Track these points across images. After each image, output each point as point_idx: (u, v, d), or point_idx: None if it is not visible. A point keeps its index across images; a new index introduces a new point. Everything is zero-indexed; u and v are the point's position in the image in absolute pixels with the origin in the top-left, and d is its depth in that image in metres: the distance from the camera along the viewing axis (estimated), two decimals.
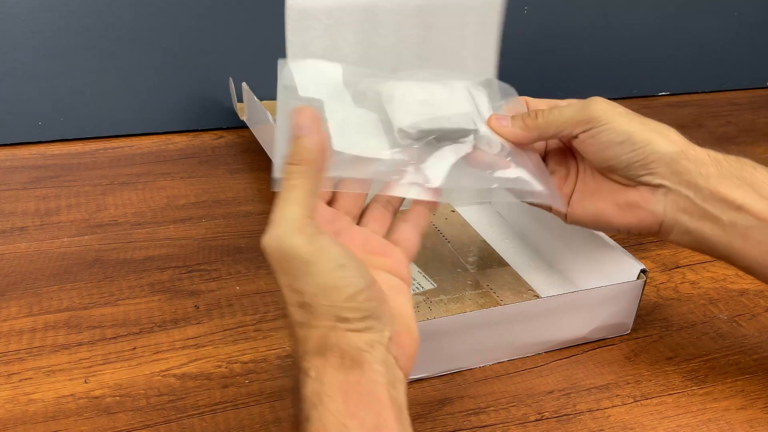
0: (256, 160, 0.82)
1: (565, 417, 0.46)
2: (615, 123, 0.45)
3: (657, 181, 0.45)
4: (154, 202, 0.71)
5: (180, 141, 0.86)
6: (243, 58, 0.87)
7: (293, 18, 0.51)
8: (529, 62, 0.99)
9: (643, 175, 0.45)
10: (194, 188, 0.74)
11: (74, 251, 0.61)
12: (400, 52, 0.57)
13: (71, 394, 0.46)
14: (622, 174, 0.46)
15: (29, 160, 0.79)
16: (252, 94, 0.75)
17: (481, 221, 0.68)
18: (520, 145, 0.48)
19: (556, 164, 0.51)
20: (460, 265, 0.60)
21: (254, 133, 0.80)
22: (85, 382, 0.47)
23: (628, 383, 0.49)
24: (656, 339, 0.54)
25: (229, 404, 0.46)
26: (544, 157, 0.51)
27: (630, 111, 0.47)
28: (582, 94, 0.51)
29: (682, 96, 1.12)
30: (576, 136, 0.47)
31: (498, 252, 0.63)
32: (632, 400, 0.48)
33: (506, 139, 0.47)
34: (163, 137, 0.87)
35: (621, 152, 0.45)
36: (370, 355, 0.33)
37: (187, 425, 0.44)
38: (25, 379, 0.47)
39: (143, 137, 0.87)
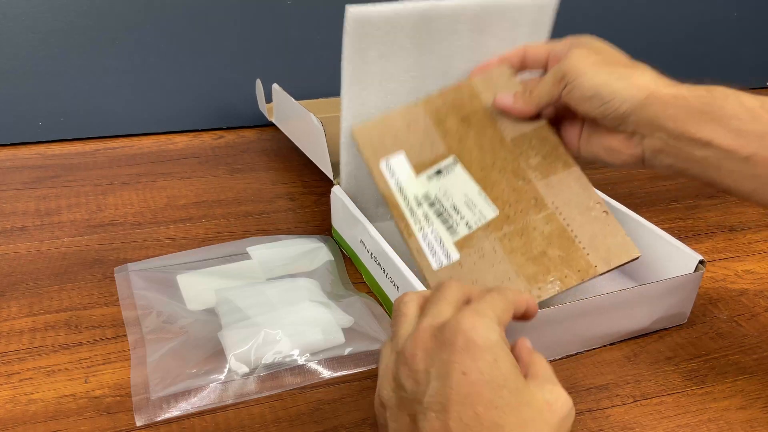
0: (256, 160, 0.82)
1: None
2: (584, 78, 0.48)
3: (631, 128, 0.48)
4: (154, 202, 0.71)
5: (180, 141, 0.86)
6: (243, 58, 0.87)
7: (352, 26, 0.53)
8: None
9: (618, 125, 0.48)
10: (194, 188, 0.74)
11: (74, 251, 0.61)
12: (452, 55, 0.59)
13: (71, 394, 0.46)
14: (602, 123, 0.49)
15: (29, 160, 0.79)
16: (285, 93, 0.74)
17: None
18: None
19: (565, 111, 0.54)
20: (521, 173, 0.53)
21: (285, 132, 0.80)
22: (85, 382, 0.47)
23: (628, 383, 0.49)
24: (656, 339, 0.54)
25: (229, 404, 0.46)
26: (560, 110, 0.55)
27: (604, 56, 0.49)
28: None
29: None
30: (560, 96, 0.50)
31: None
32: (632, 400, 0.48)
33: (513, 114, 0.54)
34: (163, 137, 0.87)
35: (592, 106, 0.48)
36: None
37: (187, 425, 0.44)
38: (25, 379, 0.47)
39: (143, 137, 0.87)
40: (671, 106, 0.45)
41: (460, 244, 0.51)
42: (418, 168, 0.55)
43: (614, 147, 0.50)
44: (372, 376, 0.49)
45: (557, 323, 0.49)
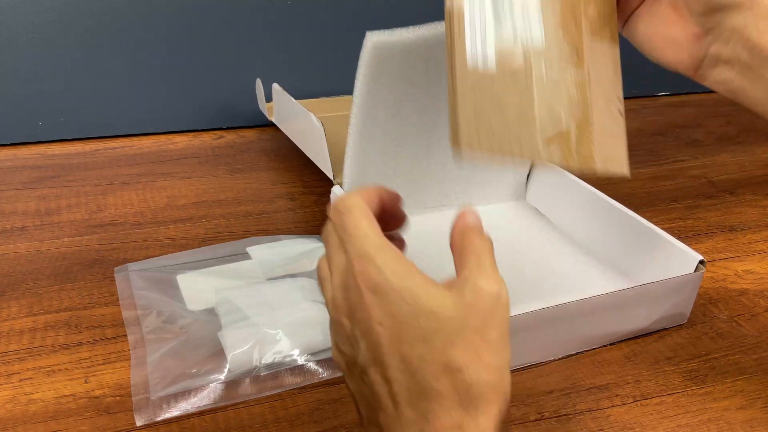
0: (256, 160, 0.82)
1: (564, 417, 0.46)
2: None
3: (710, 24, 0.42)
4: (154, 202, 0.71)
5: (180, 141, 0.86)
6: (243, 58, 0.87)
7: (370, 51, 0.53)
8: None
9: (703, 13, 0.42)
10: (194, 188, 0.74)
11: (74, 251, 0.61)
12: None
13: (71, 394, 0.46)
14: (685, 4, 0.43)
15: (29, 160, 0.79)
16: (285, 93, 0.74)
17: (525, 219, 0.69)
18: None
19: None
20: (576, 14, 0.46)
21: (285, 132, 0.80)
22: (85, 382, 0.47)
23: (628, 383, 0.49)
24: (656, 339, 0.54)
25: (229, 404, 0.46)
26: None
27: None
28: None
29: (682, 96, 1.12)
30: None
31: (546, 252, 0.63)
32: (632, 400, 0.48)
33: None
34: (163, 137, 0.87)
35: None
36: None
37: (187, 425, 0.44)
38: (25, 379, 0.47)
39: (143, 137, 0.87)
40: (764, 18, 0.40)
41: (500, 56, 0.42)
42: None
43: (677, 38, 0.44)
44: None
45: (557, 323, 0.49)
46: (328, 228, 0.35)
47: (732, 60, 0.42)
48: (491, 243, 0.35)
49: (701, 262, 0.53)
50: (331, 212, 0.35)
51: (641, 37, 0.46)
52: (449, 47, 0.43)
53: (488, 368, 0.31)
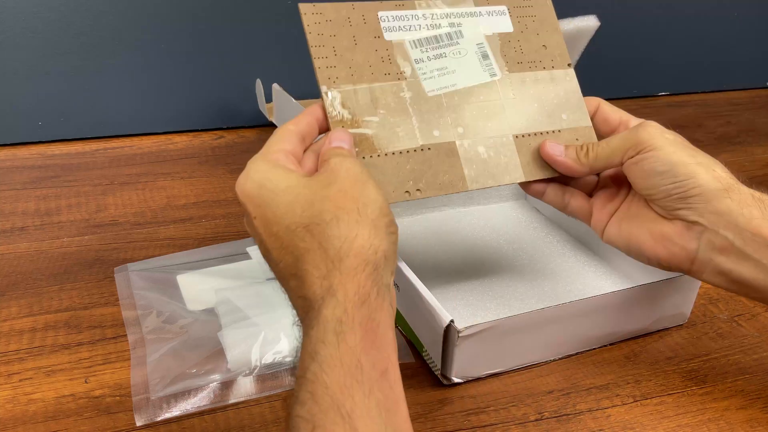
0: None
1: (565, 417, 0.46)
2: (661, 151, 0.44)
3: (693, 217, 0.43)
4: (154, 202, 0.71)
5: (180, 141, 0.86)
6: (243, 58, 0.87)
7: None
8: None
9: (680, 209, 0.44)
10: (194, 188, 0.74)
11: (74, 251, 0.61)
12: None
13: (71, 394, 0.46)
14: (660, 204, 0.45)
15: (29, 160, 0.79)
16: (285, 93, 0.74)
17: (523, 220, 0.69)
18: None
19: (609, 180, 0.50)
20: None
21: None
22: (85, 382, 0.47)
23: (628, 383, 0.49)
24: (656, 339, 0.54)
25: (229, 404, 0.46)
26: (598, 175, 0.51)
27: (681, 140, 0.45)
28: (583, 94, 0.52)
29: (682, 96, 1.12)
30: (623, 163, 0.46)
31: (546, 252, 0.64)
32: (632, 400, 0.48)
33: (558, 170, 0.49)
34: (163, 137, 0.87)
35: (661, 182, 0.44)
36: (389, 294, 0.35)
37: (187, 425, 0.44)
38: (25, 379, 0.47)
39: (143, 137, 0.87)
40: (747, 205, 0.42)
41: None
42: None
43: (666, 234, 0.45)
44: None
45: (557, 323, 0.49)
46: None
47: (727, 248, 0.43)
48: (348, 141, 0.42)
49: None
50: None
51: (626, 240, 0.47)
52: None
53: (348, 223, 0.35)
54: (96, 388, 0.46)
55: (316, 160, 0.41)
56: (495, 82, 0.49)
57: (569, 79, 0.51)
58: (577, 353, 0.52)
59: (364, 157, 0.44)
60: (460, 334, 0.45)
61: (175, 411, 0.44)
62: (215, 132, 0.90)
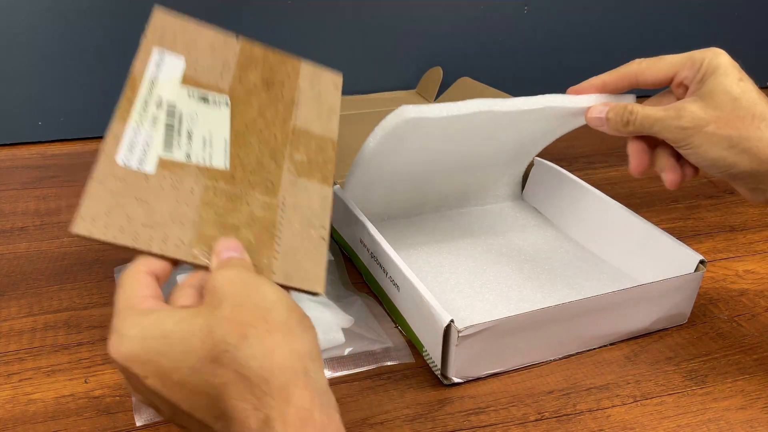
0: None
1: (565, 417, 0.46)
2: (700, 149, 0.47)
3: (742, 188, 0.48)
4: None
5: None
6: None
7: (399, 123, 0.53)
8: (530, 62, 0.99)
9: (739, 181, 0.48)
10: None
11: (74, 251, 0.61)
12: (476, 145, 0.61)
13: (71, 394, 0.46)
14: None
15: (29, 160, 0.79)
16: None
17: (520, 219, 0.69)
18: None
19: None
20: (278, 157, 0.49)
21: None
22: (85, 382, 0.47)
23: (628, 383, 0.49)
24: (656, 339, 0.54)
25: None
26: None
27: (735, 105, 0.46)
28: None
29: None
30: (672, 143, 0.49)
31: (545, 252, 0.64)
32: (632, 400, 0.48)
33: (608, 132, 0.52)
34: None
35: (708, 170, 0.48)
36: (331, 399, 0.33)
37: None
38: (25, 379, 0.47)
39: None
40: None
41: (164, 164, 0.43)
42: (188, 81, 0.49)
43: (737, 191, 0.49)
44: (372, 376, 0.49)
45: (557, 323, 0.49)
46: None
47: None
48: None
49: (701, 262, 0.53)
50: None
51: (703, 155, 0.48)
52: (106, 134, 0.43)
53: (259, 338, 0.31)
54: (96, 388, 0.46)
55: (197, 294, 0.36)
56: None
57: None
58: (577, 353, 0.52)
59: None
60: (460, 334, 0.45)
61: None
62: None
